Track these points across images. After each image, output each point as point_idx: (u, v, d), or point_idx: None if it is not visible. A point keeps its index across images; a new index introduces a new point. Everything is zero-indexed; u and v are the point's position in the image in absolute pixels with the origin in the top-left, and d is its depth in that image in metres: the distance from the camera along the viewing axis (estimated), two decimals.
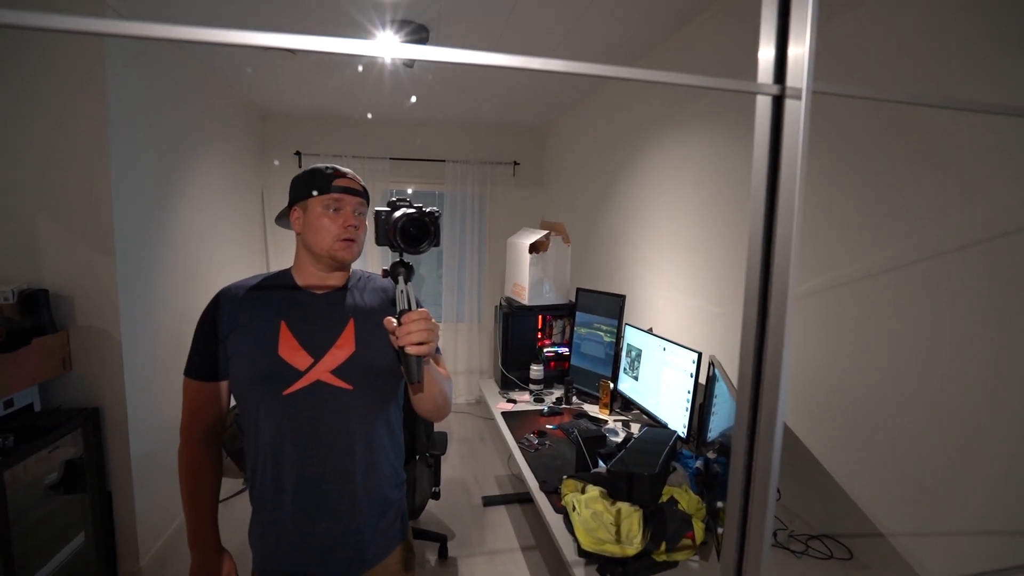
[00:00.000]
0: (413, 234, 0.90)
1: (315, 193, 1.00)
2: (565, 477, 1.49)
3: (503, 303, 2.88)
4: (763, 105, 0.46)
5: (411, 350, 0.85)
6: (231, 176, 3.17)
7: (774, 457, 0.49)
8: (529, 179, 4.26)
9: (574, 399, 2.50)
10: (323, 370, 0.98)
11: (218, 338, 1.01)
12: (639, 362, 2.19)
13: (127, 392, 2.04)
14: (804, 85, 0.43)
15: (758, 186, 0.48)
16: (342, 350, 0.99)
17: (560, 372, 2.77)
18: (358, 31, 2.00)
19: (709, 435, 1.63)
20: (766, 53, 0.45)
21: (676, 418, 1.87)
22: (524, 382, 2.68)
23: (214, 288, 3.10)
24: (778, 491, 1.39)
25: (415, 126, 3.93)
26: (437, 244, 0.93)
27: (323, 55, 2.44)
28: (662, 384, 2.00)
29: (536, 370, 2.64)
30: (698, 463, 1.46)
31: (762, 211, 0.48)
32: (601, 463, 1.54)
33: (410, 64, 2.23)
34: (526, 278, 2.72)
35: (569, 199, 3.69)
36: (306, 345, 0.98)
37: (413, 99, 3.18)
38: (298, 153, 3.75)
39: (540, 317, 2.81)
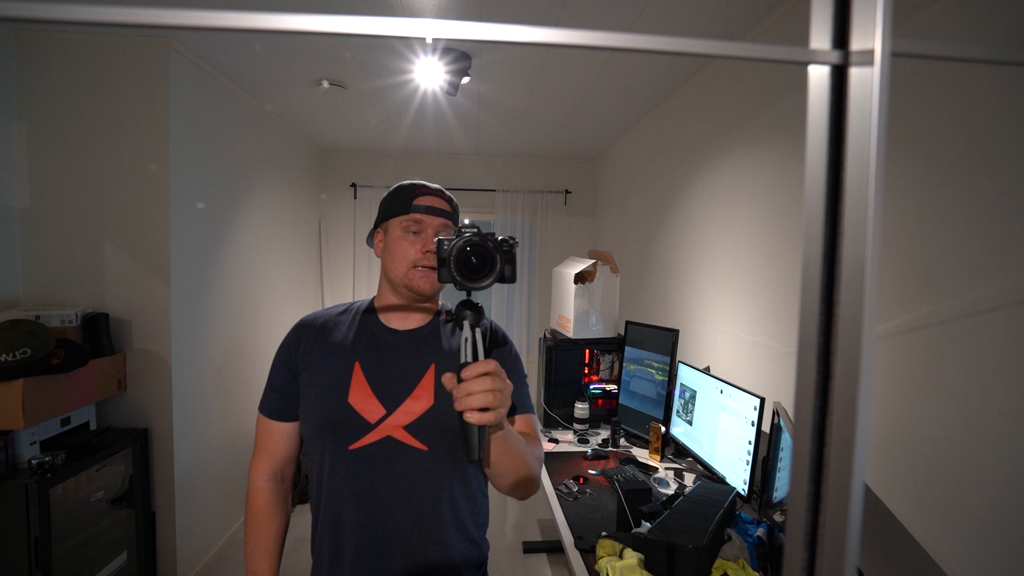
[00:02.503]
0: (475, 265, 0.71)
1: (395, 213, 0.91)
2: (602, 535, 1.33)
3: (547, 335, 2.75)
4: (818, 80, 0.33)
5: (470, 417, 0.66)
6: (288, 208, 3.32)
7: (849, 547, 0.35)
8: (581, 208, 4.17)
9: (622, 442, 2.30)
10: (395, 425, 0.86)
11: (292, 374, 0.92)
12: (693, 404, 1.98)
13: (174, 414, 2.10)
14: (878, 46, 0.30)
15: (814, 191, 0.35)
16: (418, 402, 0.87)
17: (607, 411, 2.57)
18: (401, 60, 2.03)
19: (775, 495, 1.40)
20: (821, 8, 0.33)
21: (735, 471, 1.65)
22: (568, 421, 2.51)
23: (264, 317, 3.16)
24: None
25: (465, 156, 3.98)
26: (511, 279, 0.72)
27: (372, 89, 2.51)
28: (719, 431, 1.78)
29: (581, 408, 2.47)
30: (760, 531, 1.24)
31: (820, 227, 0.35)
32: (645, 522, 1.35)
33: (452, 92, 2.24)
34: (571, 310, 2.58)
35: (621, 227, 3.54)
36: (379, 393, 0.87)
37: (461, 130, 3.21)
38: (353, 185, 3.89)
39: (587, 351, 2.65)
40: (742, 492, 1.57)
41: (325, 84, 2.38)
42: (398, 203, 0.91)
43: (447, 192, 0.95)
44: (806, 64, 0.33)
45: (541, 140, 3.57)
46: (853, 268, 0.31)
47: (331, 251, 3.93)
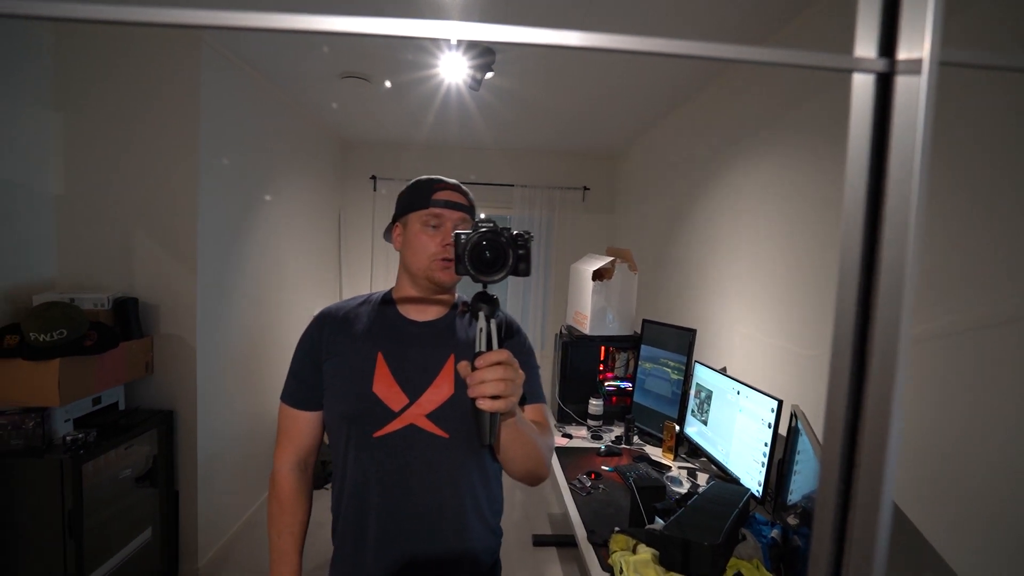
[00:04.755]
0: (488, 258, 0.73)
1: (414, 208, 0.93)
2: (616, 530, 1.34)
3: (563, 331, 2.76)
4: (862, 88, 0.34)
5: (483, 404, 0.69)
6: (310, 199, 3.37)
7: (878, 552, 0.36)
8: (599, 205, 4.15)
9: (635, 439, 2.31)
10: (418, 413, 0.88)
11: (316, 364, 0.94)
12: (709, 405, 1.98)
13: (198, 397, 2.16)
14: (926, 55, 0.31)
15: (854, 196, 0.36)
16: (439, 391, 0.90)
17: (622, 408, 2.58)
18: (425, 55, 2.05)
19: (789, 497, 1.40)
20: (868, 16, 0.33)
21: (750, 473, 1.64)
22: (582, 416, 2.52)
23: (284, 306, 3.21)
24: None
25: (485, 150, 3.99)
26: (525, 272, 0.75)
27: (396, 83, 2.53)
28: (735, 432, 1.78)
29: (595, 404, 2.47)
30: (774, 532, 1.24)
31: (859, 232, 0.35)
32: (659, 519, 1.36)
33: (475, 87, 2.25)
34: (588, 306, 2.59)
35: (640, 225, 3.53)
36: (402, 382, 0.89)
37: (483, 124, 3.22)
38: (373, 177, 3.92)
39: (603, 348, 2.65)
40: (756, 494, 1.57)
41: (350, 78, 2.40)
42: (418, 198, 0.93)
43: (464, 187, 0.97)
44: (850, 72, 0.34)
45: (561, 136, 3.56)
46: (892, 274, 0.32)
47: (350, 243, 3.98)
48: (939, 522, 1.15)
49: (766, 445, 1.59)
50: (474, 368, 0.70)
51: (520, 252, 0.74)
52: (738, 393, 1.79)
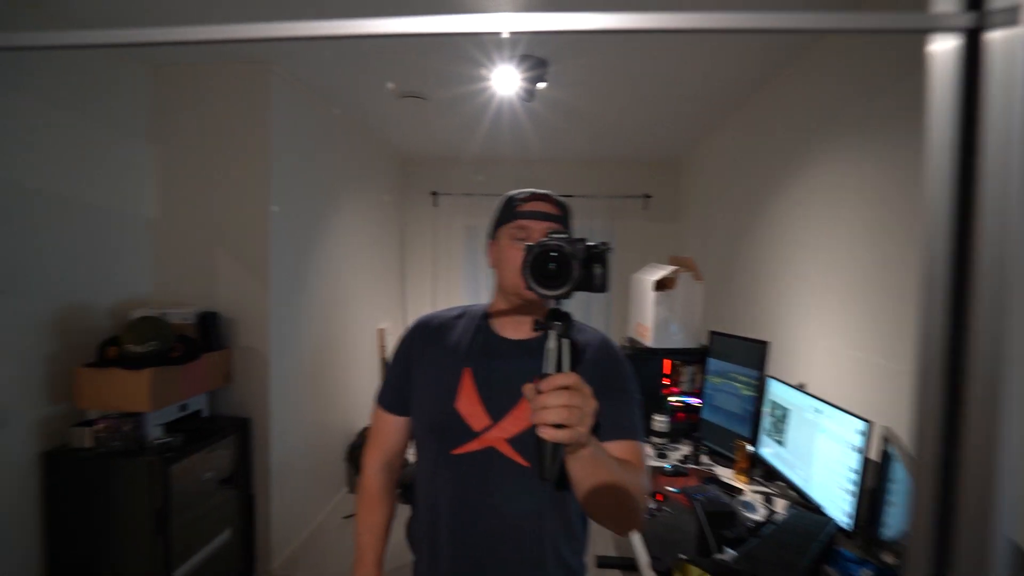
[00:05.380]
0: (550, 271, 0.66)
1: (503, 222, 0.91)
2: (681, 557, 1.24)
3: (625, 344, 2.67)
4: (944, 52, 0.28)
5: (543, 433, 0.61)
6: (374, 216, 3.51)
7: None
8: (661, 213, 4.01)
9: (704, 459, 2.16)
10: (499, 436, 0.85)
11: (406, 370, 0.95)
12: (785, 424, 1.81)
13: (271, 406, 2.28)
14: None
15: (938, 187, 0.29)
16: (524, 415, 0.85)
17: (689, 425, 2.43)
18: (477, 68, 2.07)
19: (884, 532, 1.24)
20: None
21: (835, 502, 1.47)
22: (646, 434, 2.41)
23: (349, 320, 3.33)
24: None
25: (542, 162, 3.98)
26: (600, 288, 0.69)
27: (451, 98, 2.58)
28: (815, 455, 1.61)
29: (660, 421, 2.35)
30: (865, 572, 1.10)
31: (945, 222, 0.29)
32: (728, 549, 1.25)
33: (529, 98, 2.25)
34: (650, 318, 2.48)
35: (705, 233, 3.36)
36: (487, 402, 0.87)
37: (537, 136, 3.21)
38: (434, 193, 4.03)
39: (667, 362, 2.53)
40: (842, 525, 1.40)
41: (395, 93, 2.47)
42: (506, 212, 0.91)
43: (556, 196, 0.92)
44: (927, 31, 0.28)
45: (618, 144, 3.48)
46: (993, 273, 0.26)
47: (413, 257, 4.10)
48: None
49: (854, 472, 1.42)
50: (539, 392, 0.63)
51: (588, 264, 0.67)
52: (819, 412, 1.63)
